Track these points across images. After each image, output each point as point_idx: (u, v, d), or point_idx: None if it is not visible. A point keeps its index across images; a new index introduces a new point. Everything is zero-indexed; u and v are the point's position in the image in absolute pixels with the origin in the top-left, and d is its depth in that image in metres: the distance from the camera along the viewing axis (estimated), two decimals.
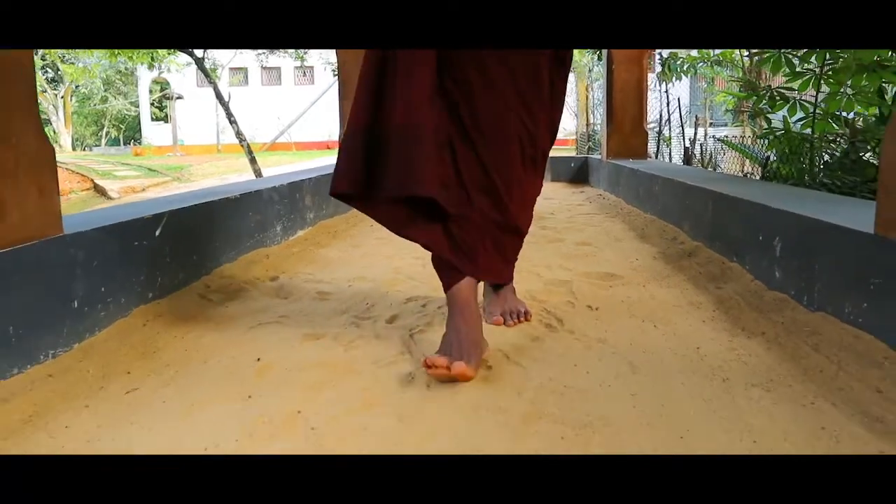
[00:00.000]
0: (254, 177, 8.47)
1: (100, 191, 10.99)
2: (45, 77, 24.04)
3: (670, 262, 2.42)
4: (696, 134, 6.80)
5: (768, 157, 4.05)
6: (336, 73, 7.28)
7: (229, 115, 8.91)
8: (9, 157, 1.35)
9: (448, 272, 1.50)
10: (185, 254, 2.05)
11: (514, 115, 1.50)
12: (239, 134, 8.83)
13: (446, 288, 1.49)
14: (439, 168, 1.43)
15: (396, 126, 1.38)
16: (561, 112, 1.67)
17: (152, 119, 26.11)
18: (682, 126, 6.80)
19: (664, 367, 1.38)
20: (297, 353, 1.51)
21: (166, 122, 25.19)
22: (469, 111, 1.46)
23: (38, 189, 1.45)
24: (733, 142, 6.61)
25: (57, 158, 1.57)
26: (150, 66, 14.96)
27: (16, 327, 1.33)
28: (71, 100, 26.44)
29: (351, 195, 1.43)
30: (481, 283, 1.76)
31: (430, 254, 1.54)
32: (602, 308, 1.84)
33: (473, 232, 1.49)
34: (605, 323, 1.70)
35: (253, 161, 8.92)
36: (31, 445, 1.09)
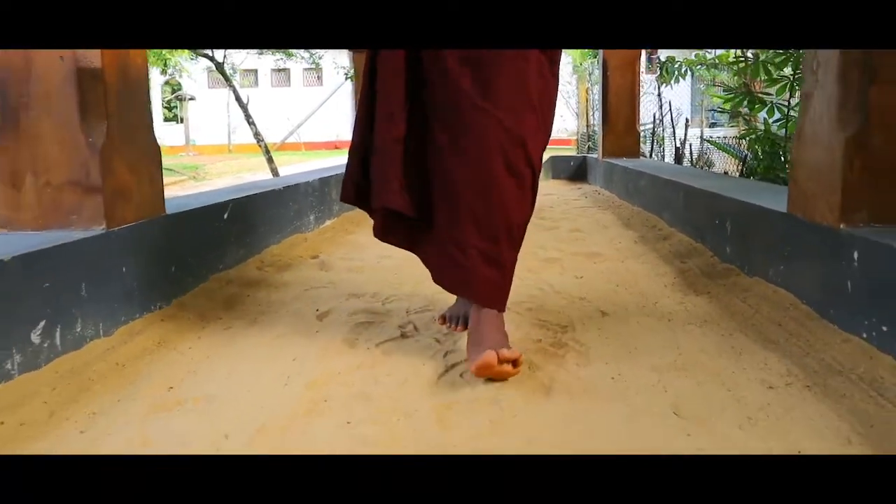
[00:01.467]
0: (270, 175, 8.93)
1: None
2: None
3: (647, 244, 2.85)
4: (686, 134, 7.23)
5: (746, 156, 4.48)
6: (347, 75, 7.73)
7: (248, 117, 9.40)
8: (134, 154, 1.80)
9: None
10: (244, 235, 2.50)
11: (485, 115, 1.38)
12: (257, 135, 9.32)
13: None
14: (406, 178, 1.45)
15: (378, 140, 1.47)
16: (552, 111, 1.57)
17: (164, 120, 26.61)
18: (673, 127, 7.24)
19: (627, 313, 1.82)
20: (346, 305, 1.95)
21: (178, 122, 25.68)
22: (434, 114, 1.43)
23: (150, 178, 1.89)
24: (726, 142, 7.04)
25: None
26: (164, 71, 15.43)
27: (138, 284, 1.78)
28: None
29: (354, 203, 1.60)
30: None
31: None
32: (585, 277, 2.28)
33: (426, 235, 1.52)
34: (586, 286, 2.14)
35: (270, 160, 9.41)
36: (166, 361, 1.53)
